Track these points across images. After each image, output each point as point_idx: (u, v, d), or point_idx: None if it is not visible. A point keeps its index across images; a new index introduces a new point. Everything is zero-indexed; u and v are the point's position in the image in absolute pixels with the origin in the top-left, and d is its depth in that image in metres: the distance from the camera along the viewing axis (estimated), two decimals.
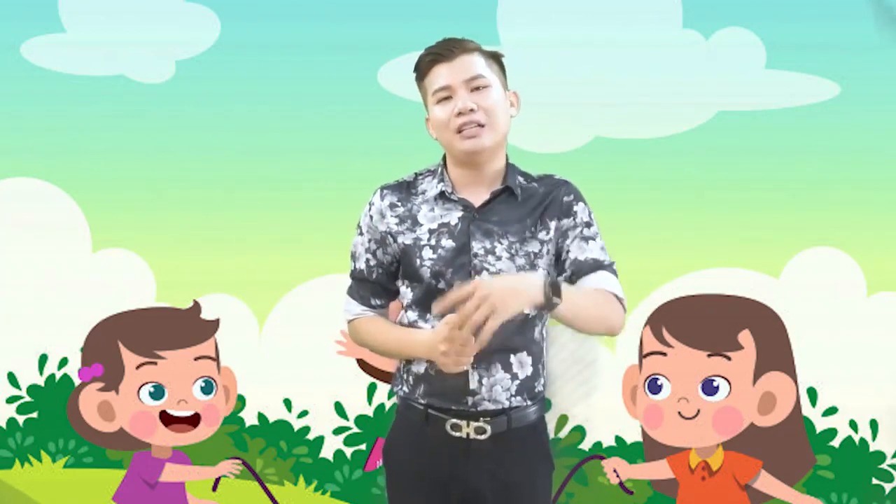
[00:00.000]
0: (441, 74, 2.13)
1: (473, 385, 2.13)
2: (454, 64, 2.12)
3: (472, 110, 2.10)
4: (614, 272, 2.18)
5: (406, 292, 2.23)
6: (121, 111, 2.82)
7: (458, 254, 2.15)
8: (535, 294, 1.95)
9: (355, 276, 2.30)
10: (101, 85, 2.82)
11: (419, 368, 2.19)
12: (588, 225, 2.18)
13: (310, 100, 2.79)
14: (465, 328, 1.96)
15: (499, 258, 2.14)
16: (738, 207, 2.74)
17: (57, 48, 2.82)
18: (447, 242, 2.16)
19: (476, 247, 2.15)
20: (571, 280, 2.18)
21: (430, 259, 2.16)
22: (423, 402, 2.19)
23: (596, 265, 2.15)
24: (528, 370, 2.18)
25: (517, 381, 2.17)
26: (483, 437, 2.15)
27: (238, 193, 2.82)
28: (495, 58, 2.19)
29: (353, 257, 2.29)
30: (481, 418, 2.15)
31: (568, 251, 2.17)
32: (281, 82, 2.80)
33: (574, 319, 2.05)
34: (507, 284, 1.95)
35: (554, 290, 1.96)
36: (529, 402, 2.19)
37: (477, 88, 2.12)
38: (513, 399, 2.16)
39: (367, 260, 2.26)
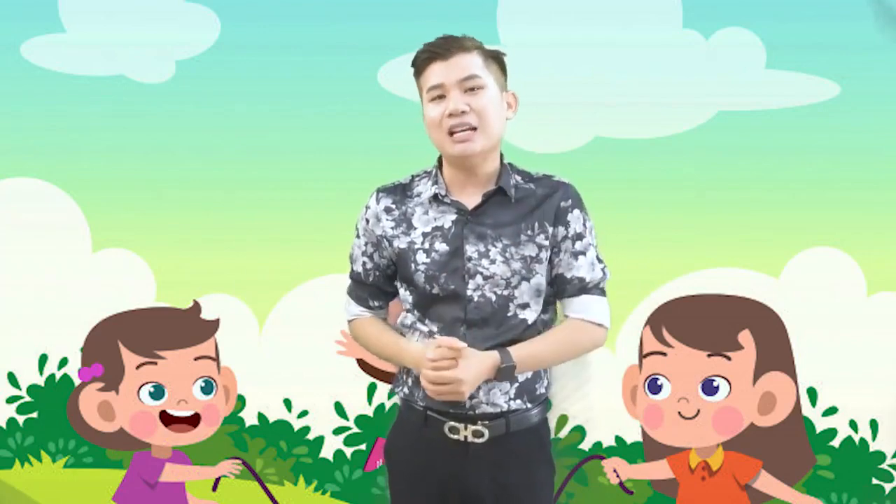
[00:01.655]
0: (435, 73, 2.13)
1: None
2: (450, 63, 2.12)
3: (463, 112, 2.09)
4: (601, 291, 2.18)
5: (405, 295, 2.23)
6: (121, 111, 2.83)
7: (451, 257, 2.15)
8: (490, 375, 2.07)
9: (353, 277, 2.31)
10: (101, 85, 2.83)
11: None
12: (579, 237, 2.17)
13: (310, 100, 2.80)
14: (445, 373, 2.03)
15: (493, 261, 2.14)
16: (738, 207, 2.75)
17: (57, 48, 2.83)
18: (441, 246, 2.16)
19: (470, 250, 2.15)
20: (557, 296, 2.20)
21: (423, 263, 2.16)
22: (422, 404, 2.20)
23: (581, 287, 2.15)
24: (528, 373, 2.18)
25: (517, 384, 2.17)
26: (481, 440, 2.16)
27: (238, 193, 2.82)
28: (495, 57, 2.18)
29: (352, 259, 2.30)
30: (479, 421, 2.16)
31: (557, 265, 2.17)
32: (281, 82, 2.81)
33: (542, 367, 2.13)
34: (476, 370, 2.05)
35: (504, 375, 2.03)
36: (530, 405, 2.19)
37: (471, 89, 2.12)
38: (512, 402, 2.16)
39: (364, 263, 2.27)
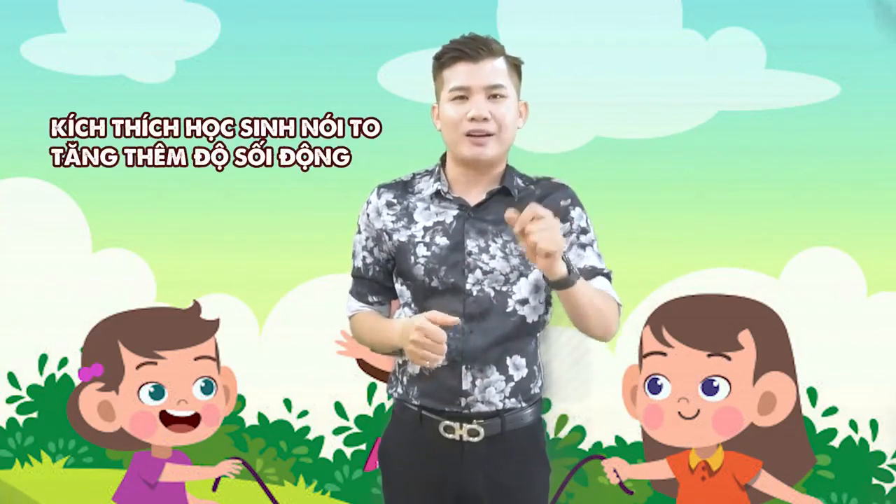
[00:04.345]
0: (461, 73, 2.14)
1: (466, 386, 2.15)
2: (478, 67, 2.13)
3: (485, 119, 2.11)
4: (610, 279, 2.20)
5: (402, 290, 2.25)
6: (121, 111, 2.83)
7: (451, 251, 2.17)
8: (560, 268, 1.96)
9: (354, 273, 2.33)
10: (101, 85, 2.84)
11: (413, 369, 2.21)
12: (584, 231, 2.20)
13: (310, 100, 2.80)
14: (439, 329, 1.99)
15: (493, 257, 2.17)
16: (738, 207, 2.76)
17: (57, 48, 2.85)
18: (441, 240, 2.18)
19: (470, 245, 2.17)
20: None
21: (423, 256, 2.18)
22: (416, 403, 2.21)
23: (594, 272, 2.16)
24: (524, 372, 2.20)
25: (512, 384, 2.18)
26: (476, 439, 2.17)
27: (238, 193, 2.83)
28: (516, 66, 2.19)
29: (353, 256, 2.32)
30: (474, 420, 2.17)
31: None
32: (281, 82, 2.81)
33: (577, 307, 2.05)
34: (557, 233, 1.92)
35: (563, 279, 1.97)
36: (524, 405, 2.21)
37: (494, 96, 2.13)
38: (507, 401, 2.18)
39: (364, 258, 2.29)
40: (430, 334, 2.01)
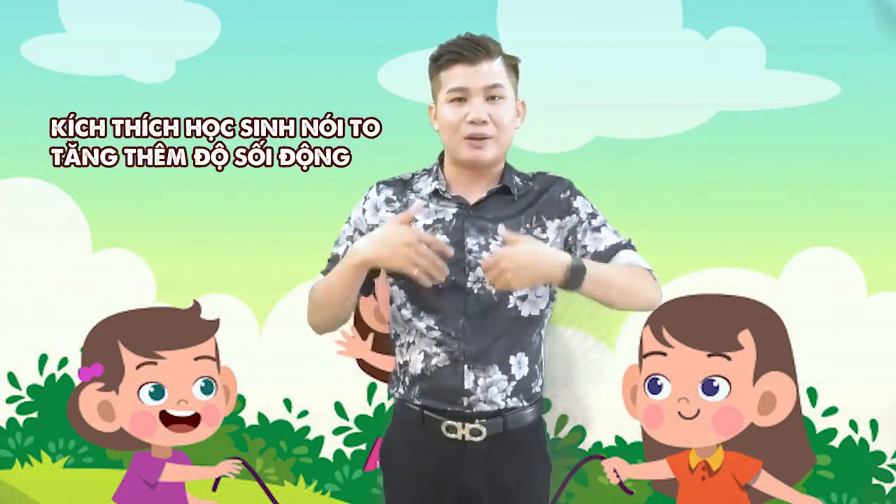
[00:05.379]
0: (459, 75, 2.15)
1: (468, 385, 2.16)
2: (476, 68, 2.14)
3: (483, 122, 2.12)
4: (633, 248, 2.20)
5: (397, 291, 2.24)
6: (121, 111, 2.83)
7: (452, 250, 2.17)
8: (555, 275, 1.97)
9: (331, 259, 2.32)
10: (101, 85, 2.84)
11: (415, 369, 2.21)
12: (593, 216, 2.22)
13: (310, 100, 2.80)
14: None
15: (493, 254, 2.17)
16: (738, 207, 2.77)
17: (57, 48, 2.85)
18: (442, 238, 2.18)
19: (471, 243, 2.18)
20: None
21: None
22: (418, 403, 2.22)
23: (616, 248, 2.17)
24: (525, 370, 2.20)
25: (514, 383, 2.19)
26: (478, 438, 2.18)
27: (238, 193, 2.83)
28: (514, 66, 2.20)
29: (336, 243, 2.32)
30: (476, 420, 2.18)
31: (584, 246, 2.18)
32: (281, 82, 2.81)
33: (605, 297, 2.07)
34: (527, 261, 1.96)
35: (575, 275, 1.98)
36: (526, 404, 2.21)
37: (493, 97, 2.13)
38: (509, 400, 2.18)
39: (347, 247, 2.28)
40: (433, 243, 2.01)
